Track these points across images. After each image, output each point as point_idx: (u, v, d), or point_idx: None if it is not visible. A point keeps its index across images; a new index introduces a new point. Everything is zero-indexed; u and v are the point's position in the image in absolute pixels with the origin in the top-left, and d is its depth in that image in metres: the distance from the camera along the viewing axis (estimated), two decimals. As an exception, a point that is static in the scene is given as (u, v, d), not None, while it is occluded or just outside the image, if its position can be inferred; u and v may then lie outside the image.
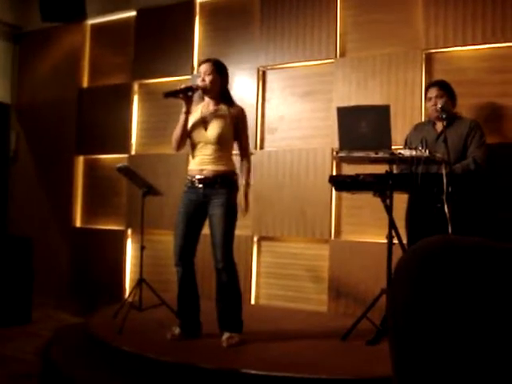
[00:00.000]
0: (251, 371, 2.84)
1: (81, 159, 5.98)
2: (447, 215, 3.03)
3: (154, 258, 5.10)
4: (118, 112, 5.67)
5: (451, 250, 0.71)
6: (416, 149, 3.21)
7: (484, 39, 4.10)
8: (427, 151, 3.17)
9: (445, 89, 3.75)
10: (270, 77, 5.04)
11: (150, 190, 4.11)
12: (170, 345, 3.35)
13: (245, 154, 3.55)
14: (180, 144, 3.48)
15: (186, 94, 3.40)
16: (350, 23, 4.71)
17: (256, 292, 4.92)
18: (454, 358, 0.66)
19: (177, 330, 3.45)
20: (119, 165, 4.18)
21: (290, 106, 4.90)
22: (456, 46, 4.24)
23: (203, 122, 3.45)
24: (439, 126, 3.73)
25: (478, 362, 0.65)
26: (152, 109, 5.56)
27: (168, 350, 3.23)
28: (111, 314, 3.99)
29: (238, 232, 3.52)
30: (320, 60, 4.78)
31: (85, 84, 6.03)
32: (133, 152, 5.63)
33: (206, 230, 3.53)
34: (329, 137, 4.57)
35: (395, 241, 3.34)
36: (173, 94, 3.43)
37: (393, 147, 3.33)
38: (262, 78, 5.06)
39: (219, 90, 3.50)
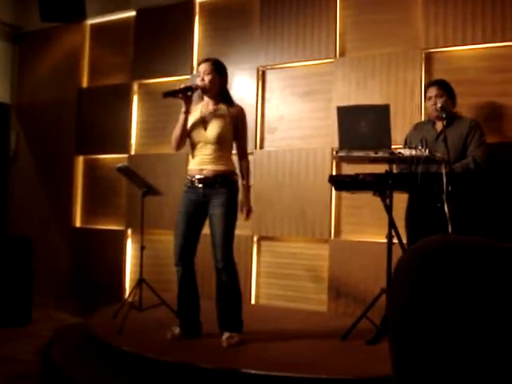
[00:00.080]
0: (251, 371, 2.84)
1: (81, 159, 5.98)
2: (447, 215, 3.03)
3: (154, 258, 5.10)
4: (118, 112, 5.67)
5: (451, 250, 0.71)
6: (416, 148, 3.21)
7: (484, 39, 4.10)
8: (427, 151, 3.17)
9: (444, 88, 3.75)
10: (270, 76, 5.04)
11: (150, 190, 4.11)
12: (170, 345, 3.35)
13: (243, 154, 3.56)
14: (180, 144, 3.48)
15: (186, 94, 3.40)
16: (350, 23, 4.71)
17: (256, 292, 4.92)
18: (454, 358, 0.66)
19: (177, 330, 3.45)
20: (119, 165, 4.18)
21: (289, 105, 4.90)
22: (456, 46, 4.24)
23: (203, 122, 3.45)
24: (439, 125, 3.73)
25: (478, 361, 0.65)
26: (152, 109, 5.56)
27: (168, 350, 3.22)
28: (111, 314, 3.99)
29: (237, 232, 3.52)
30: (320, 60, 4.78)
31: (84, 84, 6.03)
32: (132, 152, 5.63)
33: (206, 230, 3.53)
34: (328, 136, 4.57)
35: (395, 240, 3.34)
36: (172, 93, 3.43)
37: (392, 147, 3.34)
38: (262, 77, 5.06)
39: (218, 89, 3.50)
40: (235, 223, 3.44)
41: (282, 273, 4.81)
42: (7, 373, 3.61)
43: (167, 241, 5.27)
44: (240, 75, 5.03)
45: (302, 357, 3.15)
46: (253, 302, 4.89)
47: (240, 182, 3.52)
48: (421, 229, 3.58)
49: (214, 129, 3.41)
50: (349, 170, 4.11)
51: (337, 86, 4.65)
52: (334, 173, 4.55)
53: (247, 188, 3.52)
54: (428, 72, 4.32)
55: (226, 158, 3.46)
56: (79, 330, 4.07)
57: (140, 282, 3.96)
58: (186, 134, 3.47)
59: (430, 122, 3.86)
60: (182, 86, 3.44)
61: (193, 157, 3.50)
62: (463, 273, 0.68)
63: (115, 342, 3.39)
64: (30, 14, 6.02)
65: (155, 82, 5.55)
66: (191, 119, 3.47)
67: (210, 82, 3.45)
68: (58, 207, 6.00)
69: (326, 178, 3.86)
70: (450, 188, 3.06)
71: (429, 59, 4.35)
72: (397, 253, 3.17)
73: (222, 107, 3.48)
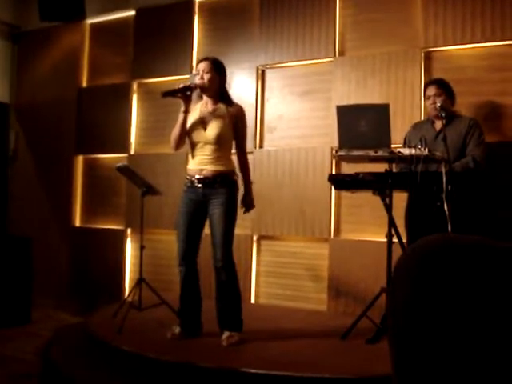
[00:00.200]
0: (251, 370, 2.84)
1: (80, 159, 5.98)
2: (447, 214, 3.03)
3: (154, 258, 5.10)
4: (118, 111, 5.67)
5: (451, 249, 0.71)
6: (415, 147, 3.21)
7: (483, 38, 4.10)
8: (426, 150, 3.17)
9: (443, 87, 3.75)
10: (270, 76, 5.04)
11: (150, 190, 4.10)
12: (170, 344, 3.35)
13: (243, 153, 3.56)
14: (179, 144, 3.48)
15: (185, 94, 3.40)
16: (349, 22, 4.71)
17: (256, 291, 4.92)
18: (454, 357, 0.66)
19: (177, 329, 3.45)
20: (119, 164, 4.17)
21: (289, 104, 4.90)
22: (455, 45, 4.24)
23: (202, 122, 3.45)
24: (438, 124, 3.73)
25: (478, 360, 0.65)
26: (151, 108, 5.56)
27: (168, 350, 3.23)
28: (111, 314, 3.99)
29: (237, 231, 3.52)
30: (319, 59, 4.78)
31: (84, 83, 6.02)
32: (132, 151, 5.62)
33: (205, 230, 3.53)
34: (328, 136, 4.57)
35: (395, 239, 3.35)
36: (171, 93, 3.43)
37: (392, 146, 3.34)
38: (262, 77, 5.06)
39: (217, 88, 3.50)
40: (235, 223, 3.44)
41: (282, 272, 4.81)
42: (7, 373, 3.61)
43: (167, 240, 5.28)
44: (239, 74, 5.03)
45: (301, 356, 3.15)
46: (253, 301, 4.89)
47: (240, 181, 3.52)
48: (420, 228, 3.58)
49: (213, 129, 3.41)
50: (348, 169, 4.11)
51: (336, 85, 4.65)
52: (333, 172, 4.55)
53: (249, 188, 3.53)
54: (427, 71, 4.32)
55: (225, 158, 3.46)
56: (79, 329, 4.07)
57: (140, 282, 3.96)
58: (185, 134, 3.46)
59: (429, 121, 3.86)
60: (181, 85, 3.43)
61: (192, 157, 3.50)
62: (463, 272, 0.68)
63: (115, 342, 3.39)
64: (30, 13, 6.01)
65: (155, 82, 5.55)
66: (190, 119, 3.46)
67: (209, 80, 3.45)
68: (57, 207, 5.99)
69: (326, 177, 3.85)
70: (449, 187, 3.06)
71: (428, 58, 4.35)
72: (397, 252, 3.17)
73: (222, 107, 3.48)
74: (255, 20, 5.08)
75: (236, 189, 3.47)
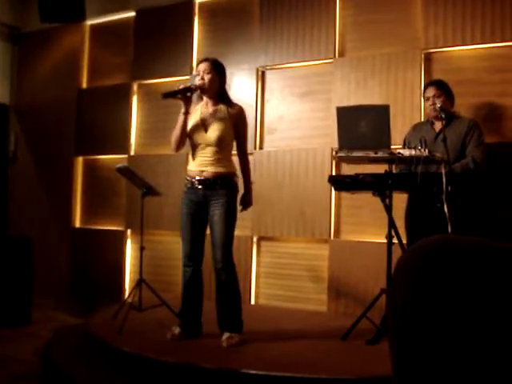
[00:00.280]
0: (251, 371, 2.84)
1: (80, 160, 5.98)
2: (447, 215, 3.03)
3: (154, 259, 5.09)
4: (118, 112, 5.67)
5: (451, 250, 0.71)
6: (415, 148, 3.21)
7: (483, 39, 4.10)
8: (426, 151, 3.17)
9: (442, 88, 3.75)
10: (270, 77, 5.04)
11: (150, 191, 4.10)
12: (170, 345, 3.35)
13: (243, 154, 3.56)
14: (179, 145, 3.48)
15: (185, 95, 3.40)
16: (349, 23, 4.71)
17: (256, 292, 4.92)
18: (454, 358, 0.66)
19: (177, 330, 3.44)
20: (119, 165, 4.17)
21: (289, 105, 4.90)
22: (455, 46, 4.24)
23: (203, 124, 3.44)
24: (437, 125, 3.74)
25: (478, 360, 0.65)
26: (151, 109, 5.56)
27: (168, 351, 3.22)
28: (111, 315, 3.99)
29: (237, 232, 3.52)
30: (319, 60, 4.78)
31: (84, 84, 6.03)
32: (132, 152, 5.63)
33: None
34: (328, 137, 4.58)
35: (395, 240, 3.35)
36: (171, 94, 3.42)
37: (392, 147, 3.34)
38: (262, 78, 5.06)
39: (218, 89, 3.50)
40: (235, 224, 3.45)
41: (282, 273, 4.81)
42: (7, 373, 3.61)
43: (167, 241, 5.28)
44: (239, 75, 5.04)
45: (301, 357, 3.15)
46: (253, 302, 4.89)
47: (240, 181, 3.52)
48: (420, 229, 3.58)
49: (214, 131, 3.41)
50: (348, 170, 4.12)
51: (336, 86, 4.65)
52: (333, 173, 4.55)
53: (249, 188, 3.53)
54: (427, 72, 4.33)
55: (226, 159, 3.46)
56: (79, 330, 4.07)
57: (140, 283, 3.96)
58: (185, 136, 3.46)
59: (429, 122, 3.86)
60: (181, 86, 3.43)
61: (193, 158, 3.49)
62: (463, 273, 0.68)
63: (115, 343, 3.39)
64: (30, 14, 6.01)
65: (155, 83, 5.55)
66: (191, 120, 3.46)
67: (210, 81, 3.44)
68: (57, 208, 5.99)
69: (326, 178, 3.86)
70: (449, 188, 3.06)
71: (428, 59, 4.35)
72: (397, 253, 3.17)
73: (222, 108, 3.48)
74: (255, 21, 5.08)
75: (236, 190, 3.48)
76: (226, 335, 3.33)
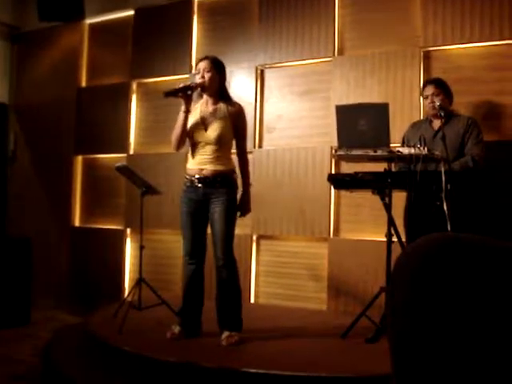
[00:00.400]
0: (251, 370, 2.84)
1: (79, 159, 5.98)
2: (446, 213, 3.03)
3: (153, 258, 5.09)
4: (117, 111, 5.67)
5: (450, 248, 0.71)
6: (414, 146, 3.21)
7: (482, 37, 4.10)
8: (426, 149, 3.17)
9: (441, 87, 3.75)
10: (269, 75, 5.04)
11: (149, 190, 4.10)
12: (170, 344, 3.35)
13: (243, 153, 3.55)
14: (180, 143, 3.47)
15: (186, 93, 3.39)
16: (348, 21, 4.71)
17: (255, 291, 4.92)
18: (454, 356, 0.66)
19: (176, 329, 3.44)
20: (118, 164, 4.17)
21: (288, 104, 4.90)
22: (454, 44, 4.24)
23: (203, 123, 3.44)
24: (436, 123, 3.74)
25: (478, 359, 0.65)
26: (150, 108, 5.56)
27: (168, 350, 3.23)
28: (111, 314, 3.98)
29: (237, 231, 3.51)
30: (318, 58, 4.78)
31: (83, 83, 6.02)
32: (131, 151, 5.62)
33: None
34: (327, 135, 4.58)
35: (394, 239, 3.35)
36: (173, 93, 3.42)
37: (391, 145, 3.34)
38: (261, 76, 5.06)
39: (218, 87, 3.50)
40: (235, 221, 3.45)
41: (282, 271, 4.81)
42: (7, 373, 3.61)
43: (166, 240, 5.28)
44: (239, 74, 5.03)
45: (301, 355, 3.15)
46: (252, 300, 4.89)
47: (239, 181, 3.52)
48: (420, 227, 3.58)
49: (214, 129, 3.41)
50: (348, 168, 4.11)
51: (335, 84, 4.65)
52: (333, 171, 4.55)
53: (247, 187, 3.53)
54: (426, 70, 4.33)
55: (225, 157, 3.46)
56: (79, 330, 4.07)
57: (139, 282, 3.96)
58: (186, 134, 3.46)
59: (427, 120, 3.86)
60: (182, 85, 3.43)
61: (192, 156, 3.49)
62: (462, 271, 0.68)
63: (115, 342, 3.39)
64: (29, 13, 6.01)
65: (154, 82, 5.55)
66: (191, 119, 3.46)
67: (210, 79, 3.44)
68: (57, 207, 5.99)
69: (325, 176, 3.85)
70: (448, 186, 3.06)
71: (427, 57, 4.35)
72: (396, 251, 3.17)
73: (222, 106, 3.48)
74: (254, 20, 5.08)
75: (236, 188, 3.48)
76: (225, 334, 3.33)
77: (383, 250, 3.38)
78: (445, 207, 3.04)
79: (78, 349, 3.74)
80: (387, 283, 3.32)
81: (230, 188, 3.42)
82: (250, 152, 4.45)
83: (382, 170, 3.40)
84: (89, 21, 5.99)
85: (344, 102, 4.32)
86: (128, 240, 5.60)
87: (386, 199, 3.37)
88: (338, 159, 4.29)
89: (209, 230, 3.48)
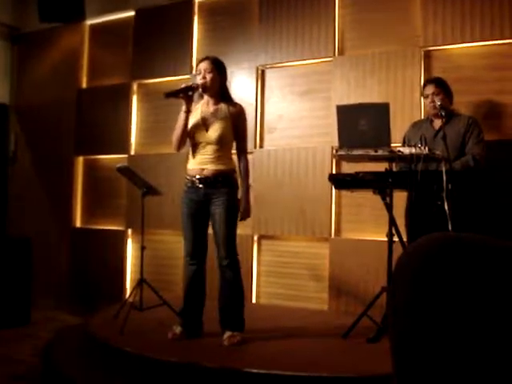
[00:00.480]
0: (252, 370, 2.84)
1: (80, 160, 5.98)
2: (447, 212, 3.03)
3: (155, 258, 5.09)
4: (118, 112, 5.67)
5: (451, 247, 0.71)
6: (415, 146, 3.21)
7: (482, 36, 4.10)
8: (426, 148, 3.17)
9: (441, 86, 3.75)
10: (269, 76, 5.04)
11: (150, 190, 4.10)
12: (172, 344, 3.35)
13: (243, 153, 3.55)
14: (181, 144, 3.47)
15: (187, 94, 3.40)
16: (348, 21, 4.71)
17: (257, 291, 4.92)
18: (455, 356, 0.66)
19: (178, 329, 3.44)
20: (119, 165, 4.17)
21: (288, 104, 4.90)
22: (454, 44, 4.24)
23: (204, 123, 3.44)
24: (437, 123, 3.74)
25: (479, 360, 0.65)
26: (151, 109, 5.56)
27: (169, 350, 3.23)
28: (112, 315, 3.98)
29: (238, 231, 3.51)
30: (319, 58, 4.78)
31: (84, 84, 6.02)
32: (132, 152, 5.63)
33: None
34: (328, 135, 4.58)
35: (395, 239, 3.35)
36: (174, 94, 3.42)
37: (392, 145, 3.34)
38: (261, 76, 5.06)
39: (219, 88, 3.50)
40: (237, 221, 3.45)
41: (283, 272, 4.81)
42: (7, 373, 3.61)
43: (167, 241, 5.29)
44: (239, 74, 5.03)
45: (303, 355, 3.15)
46: (254, 301, 4.89)
47: (239, 181, 3.52)
48: (421, 227, 3.58)
49: (215, 130, 3.41)
50: (348, 168, 4.11)
51: (336, 84, 4.65)
52: (333, 171, 4.55)
53: (246, 188, 3.52)
54: (427, 70, 4.33)
55: (226, 157, 3.46)
56: (80, 330, 4.07)
57: (140, 282, 3.96)
58: (186, 134, 3.46)
59: (428, 119, 3.86)
60: (183, 85, 3.43)
61: (193, 156, 3.49)
62: (463, 270, 0.68)
63: (116, 343, 3.38)
64: (29, 14, 6.01)
65: (154, 82, 5.55)
66: (191, 119, 3.46)
67: (211, 80, 3.44)
68: (57, 208, 6.00)
69: (326, 176, 3.85)
70: (449, 186, 3.06)
71: (428, 57, 4.35)
72: (397, 251, 3.18)
73: (223, 107, 3.48)
74: (255, 20, 5.08)
75: (237, 187, 3.48)
76: (227, 334, 3.33)
77: (384, 249, 3.38)
78: (446, 207, 3.03)
79: (79, 349, 3.74)
80: (388, 283, 3.33)
81: (231, 188, 3.42)
82: (251, 152, 4.46)
83: (382, 169, 3.40)
84: (89, 21, 5.99)
85: (344, 101, 4.32)
86: (129, 241, 5.60)
87: (387, 199, 3.37)
88: (339, 159, 4.28)
89: (210, 231, 3.48)
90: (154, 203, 4.64)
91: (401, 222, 3.64)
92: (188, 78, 5.02)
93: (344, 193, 4.42)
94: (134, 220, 4.97)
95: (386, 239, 3.38)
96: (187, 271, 3.54)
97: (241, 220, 3.49)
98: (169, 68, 5.40)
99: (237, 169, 3.53)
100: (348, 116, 3.47)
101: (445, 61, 4.29)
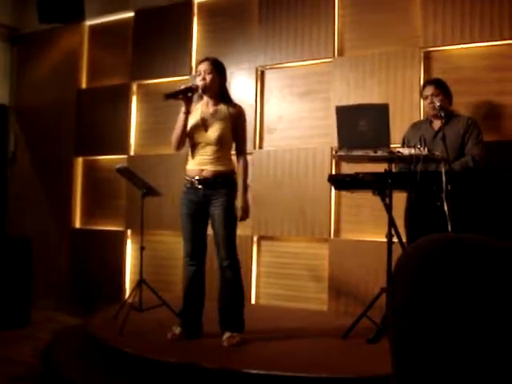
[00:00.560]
0: (252, 371, 2.84)
1: (80, 160, 5.98)
2: (446, 213, 3.03)
3: (154, 259, 5.09)
4: (117, 113, 5.67)
5: (451, 248, 0.71)
6: (415, 147, 3.21)
7: (482, 37, 4.10)
8: (426, 149, 3.17)
9: (440, 87, 3.76)
10: (269, 76, 5.04)
11: (150, 191, 4.10)
12: (171, 345, 3.35)
13: (242, 154, 3.55)
14: (180, 144, 3.47)
15: (186, 95, 3.40)
16: (348, 22, 4.71)
17: (256, 292, 4.92)
18: (455, 356, 0.66)
19: (177, 330, 3.44)
20: (118, 165, 4.17)
21: (288, 105, 4.90)
22: (454, 45, 4.24)
23: (203, 124, 3.44)
24: (436, 124, 3.74)
25: (479, 360, 0.65)
26: (151, 109, 5.56)
27: (169, 351, 3.22)
28: (111, 315, 3.98)
29: (237, 232, 3.51)
30: (318, 59, 4.78)
31: (83, 85, 6.02)
32: (132, 153, 5.63)
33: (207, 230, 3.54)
34: (328, 136, 4.58)
35: (395, 239, 3.35)
36: (173, 95, 3.42)
37: (391, 146, 3.34)
38: (261, 77, 5.06)
39: (218, 88, 3.50)
40: (237, 222, 3.45)
41: (282, 272, 4.81)
42: (7, 374, 3.61)
43: (167, 241, 5.28)
44: (239, 75, 5.04)
45: (302, 356, 3.15)
46: (253, 301, 4.89)
47: (239, 182, 3.52)
48: (420, 227, 3.58)
49: (215, 130, 3.41)
50: (348, 169, 4.11)
51: (335, 85, 4.65)
52: (333, 172, 4.55)
53: (245, 189, 3.51)
54: (426, 71, 4.33)
55: (225, 158, 3.46)
56: (79, 331, 4.06)
57: (140, 283, 3.96)
58: (186, 135, 3.46)
59: (427, 120, 3.86)
60: (183, 86, 3.43)
61: (192, 157, 3.49)
62: (463, 271, 0.68)
63: (116, 343, 3.38)
64: (29, 15, 6.01)
65: (154, 83, 5.55)
66: (191, 120, 3.46)
67: (211, 81, 3.44)
68: (57, 208, 5.99)
69: (326, 177, 3.85)
70: (449, 186, 3.06)
71: (427, 58, 4.35)
72: (397, 252, 3.17)
73: (223, 107, 3.48)
74: (254, 21, 5.08)
75: (236, 188, 3.48)
76: (227, 335, 3.33)
77: (384, 250, 3.38)
78: (445, 207, 3.04)
79: (79, 350, 3.74)
80: (388, 284, 3.32)
81: (230, 189, 3.42)
82: (251, 153, 4.46)
83: (382, 170, 3.40)
84: (89, 22, 5.99)
85: (344, 102, 4.32)
86: (128, 241, 5.60)
87: (387, 200, 3.37)
88: (339, 160, 4.29)
89: (210, 231, 3.48)
90: (153, 204, 4.64)
91: (400, 222, 3.64)
92: (187, 79, 5.02)
93: (344, 193, 4.42)
94: (134, 221, 4.96)
95: (385, 240, 3.38)
96: (187, 272, 3.54)
97: (240, 220, 3.49)
98: (168, 69, 5.40)
99: (236, 169, 3.53)
100: (347, 117, 3.47)
101: (444, 62, 4.29)
